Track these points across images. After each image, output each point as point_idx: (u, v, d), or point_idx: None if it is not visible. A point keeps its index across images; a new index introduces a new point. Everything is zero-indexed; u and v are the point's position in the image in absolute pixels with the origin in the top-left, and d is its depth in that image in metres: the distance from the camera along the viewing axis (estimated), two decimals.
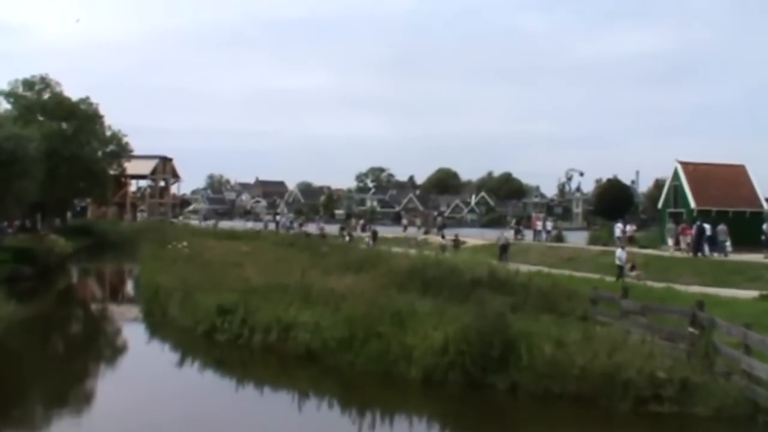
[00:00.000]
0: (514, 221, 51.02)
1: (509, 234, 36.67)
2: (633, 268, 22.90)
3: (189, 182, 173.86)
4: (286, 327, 14.19)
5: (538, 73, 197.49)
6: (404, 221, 57.31)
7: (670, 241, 29.65)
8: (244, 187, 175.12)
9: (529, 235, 41.27)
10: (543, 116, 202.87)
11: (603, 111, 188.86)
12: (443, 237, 34.76)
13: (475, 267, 17.88)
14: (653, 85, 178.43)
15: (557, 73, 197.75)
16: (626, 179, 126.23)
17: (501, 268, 18.47)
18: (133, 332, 18.06)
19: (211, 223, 60.94)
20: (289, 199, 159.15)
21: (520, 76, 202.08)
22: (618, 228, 34.19)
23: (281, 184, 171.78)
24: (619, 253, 23.19)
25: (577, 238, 40.35)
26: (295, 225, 52.68)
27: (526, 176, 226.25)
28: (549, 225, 40.46)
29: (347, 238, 37.52)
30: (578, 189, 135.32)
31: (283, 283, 17.14)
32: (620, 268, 22.15)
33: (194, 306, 16.96)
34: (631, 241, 32.10)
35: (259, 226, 55.12)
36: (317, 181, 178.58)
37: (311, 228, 48.41)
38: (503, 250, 30.18)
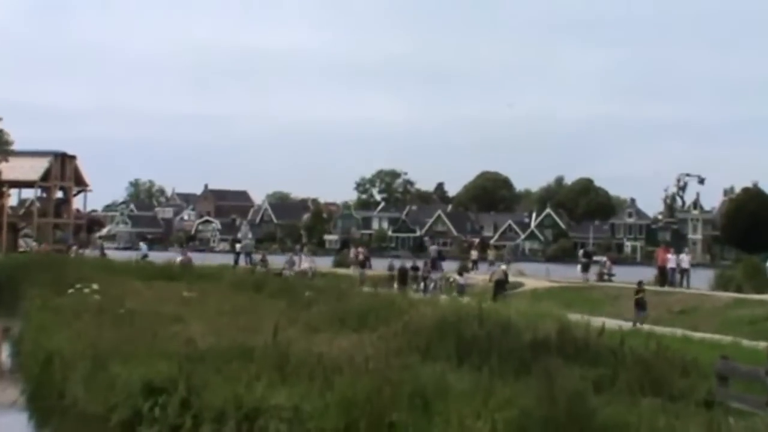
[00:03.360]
0: (582, 253, 51.25)
1: (503, 266, 38.54)
2: None
3: (102, 192, 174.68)
4: (250, 414, 14.09)
5: (643, 23, 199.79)
6: (473, 253, 58.05)
7: None
8: (187, 199, 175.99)
9: (641, 272, 41.09)
10: (648, 91, 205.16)
11: (741, 83, 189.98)
12: (505, 277, 34.84)
13: (538, 322, 17.80)
14: None
15: (674, 23, 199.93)
16: None
17: (577, 326, 18.38)
18: (6, 427, 18.00)
19: (136, 254, 61.19)
20: (255, 218, 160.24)
21: (618, 30, 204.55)
22: None
23: (243, 195, 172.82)
24: None
25: (693, 279, 40.30)
26: (254, 259, 53.20)
27: (615, 184, 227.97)
28: (686, 260, 40.00)
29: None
30: (696, 204, 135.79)
31: (247, 346, 17.10)
32: None
33: (108, 383, 16.91)
34: None
35: (212, 258, 55.22)
36: (298, 192, 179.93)
37: (294, 262, 48.90)
38: (499, 287, 32.02)
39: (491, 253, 60.16)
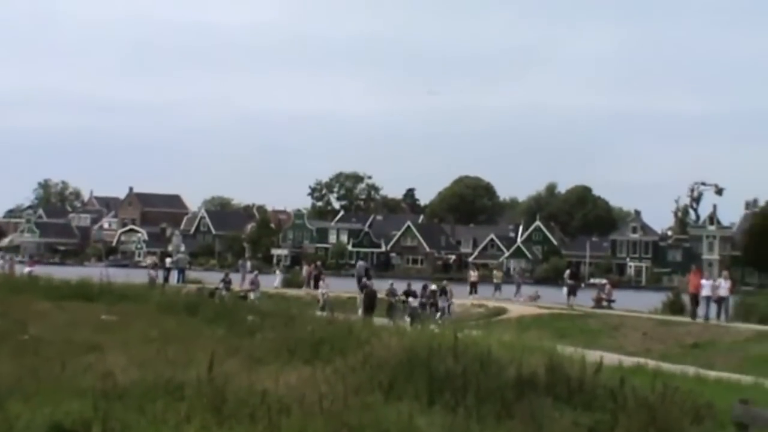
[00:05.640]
0: (567, 273, 52.07)
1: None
2: None
3: (3, 195, 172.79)
4: None
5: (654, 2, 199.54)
6: (471, 273, 58.18)
7: None
8: (108, 205, 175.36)
9: (647, 298, 41.15)
10: (658, 81, 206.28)
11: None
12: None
13: (524, 356, 17.83)
14: None
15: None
16: None
17: (570, 361, 18.44)
18: None
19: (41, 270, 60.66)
20: (189, 227, 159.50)
21: (620, 6, 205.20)
22: None
23: (175, 200, 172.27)
24: None
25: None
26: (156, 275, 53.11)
27: (615, 193, 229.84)
28: (724, 287, 38.46)
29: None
30: (713, 218, 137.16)
31: (176, 382, 16.97)
32: None
33: (6, 426, 16.68)
34: None
35: (137, 274, 54.73)
36: (241, 197, 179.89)
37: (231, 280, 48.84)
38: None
39: (497, 275, 60.02)
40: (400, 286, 45.00)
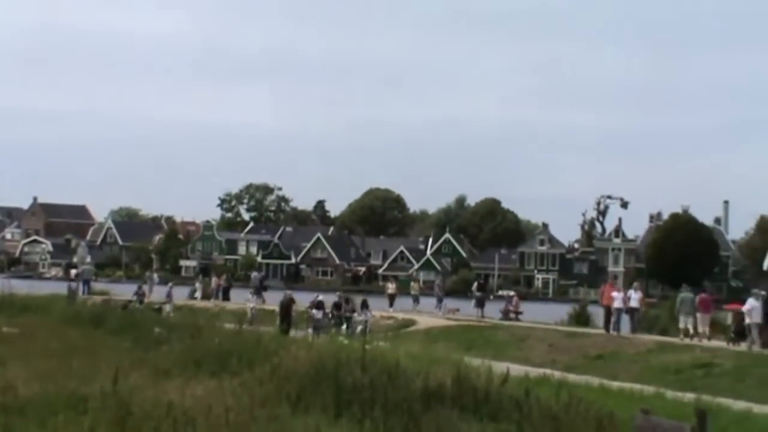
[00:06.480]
0: (475, 285, 52.34)
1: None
2: None
3: None
4: None
5: (564, 14, 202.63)
6: (389, 286, 58.02)
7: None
8: (11, 215, 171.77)
9: (554, 310, 41.41)
10: (567, 96, 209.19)
11: (677, 90, 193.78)
12: None
13: (431, 368, 17.88)
14: None
15: (599, 16, 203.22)
16: (706, 215, 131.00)
17: (477, 373, 18.57)
18: None
19: None
20: (95, 238, 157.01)
21: (533, 24, 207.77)
22: (684, 300, 35.17)
23: (81, 211, 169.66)
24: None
25: None
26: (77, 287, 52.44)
27: (524, 206, 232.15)
28: (636, 298, 38.28)
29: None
30: (618, 231, 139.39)
31: (79, 395, 16.71)
32: None
33: None
34: None
35: (41, 286, 53.78)
36: (149, 208, 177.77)
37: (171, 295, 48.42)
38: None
39: (415, 287, 60.34)
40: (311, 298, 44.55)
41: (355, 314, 41.69)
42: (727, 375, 26.67)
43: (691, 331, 33.83)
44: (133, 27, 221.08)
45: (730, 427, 17.31)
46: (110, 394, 16.48)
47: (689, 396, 21.00)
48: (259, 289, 51.76)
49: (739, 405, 20.72)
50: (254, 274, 64.98)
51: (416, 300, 54.50)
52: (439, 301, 53.82)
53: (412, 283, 62.19)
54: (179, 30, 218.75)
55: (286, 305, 39.99)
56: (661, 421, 15.50)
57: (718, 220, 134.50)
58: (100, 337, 28.14)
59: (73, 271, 60.18)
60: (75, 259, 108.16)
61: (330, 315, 41.58)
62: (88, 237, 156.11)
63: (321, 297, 43.21)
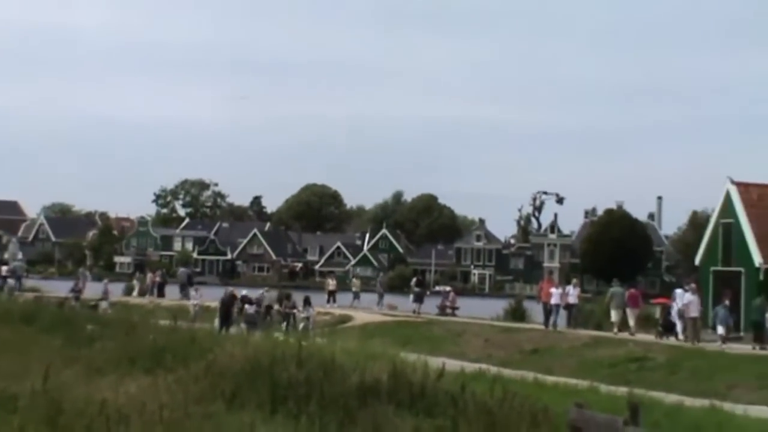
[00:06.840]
0: (414, 281, 52.57)
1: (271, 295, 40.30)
2: None
3: None
4: None
5: (506, 13, 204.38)
6: (330, 282, 57.75)
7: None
8: None
9: (490, 305, 41.63)
10: (503, 93, 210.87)
11: (610, 87, 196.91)
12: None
13: (367, 363, 17.88)
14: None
15: (535, 13, 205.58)
16: (640, 211, 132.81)
17: (413, 368, 18.61)
18: None
19: None
20: (27, 234, 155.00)
21: (473, 20, 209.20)
22: (614, 294, 35.59)
23: (12, 206, 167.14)
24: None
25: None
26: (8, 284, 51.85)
27: (461, 202, 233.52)
28: (573, 294, 38.81)
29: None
30: (554, 227, 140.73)
31: (8, 393, 16.45)
32: None
33: None
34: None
35: None
36: (83, 204, 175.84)
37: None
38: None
39: (356, 283, 60.32)
40: (253, 294, 44.25)
41: (295, 311, 41.47)
42: (660, 369, 27.09)
43: (620, 325, 34.37)
44: (65, 21, 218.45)
45: (662, 420, 17.52)
46: (40, 392, 16.27)
47: (623, 390, 21.26)
48: (186, 285, 51.16)
49: (672, 398, 21.02)
50: (181, 270, 63.61)
51: (357, 296, 54.64)
52: (381, 297, 54.10)
53: (353, 280, 62.06)
54: (111, 23, 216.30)
55: (227, 302, 39.79)
56: (594, 414, 15.64)
57: (651, 216, 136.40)
58: (32, 334, 27.67)
59: (4, 268, 59.15)
60: (6, 256, 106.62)
61: (266, 311, 41.44)
62: (19, 233, 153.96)
63: (245, 292, 43.08)
